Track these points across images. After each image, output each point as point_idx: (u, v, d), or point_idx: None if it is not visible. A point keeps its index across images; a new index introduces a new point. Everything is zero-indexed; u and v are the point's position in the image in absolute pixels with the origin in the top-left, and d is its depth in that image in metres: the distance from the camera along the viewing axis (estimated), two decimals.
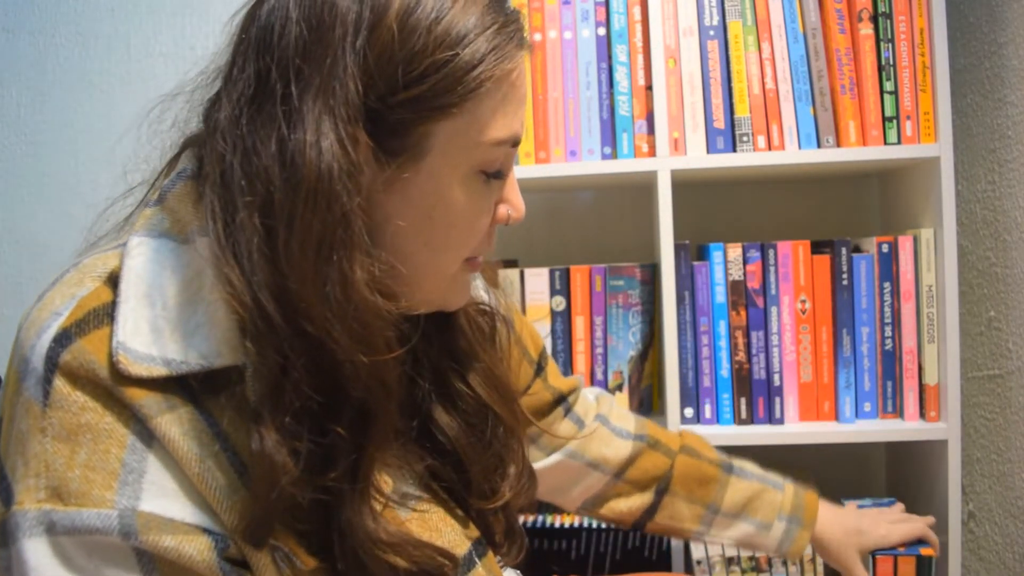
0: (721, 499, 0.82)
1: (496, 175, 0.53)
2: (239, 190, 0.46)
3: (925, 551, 0.98)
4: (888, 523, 0.88)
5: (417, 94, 0.47)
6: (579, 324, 1.17)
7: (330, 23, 0.46)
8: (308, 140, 0.45)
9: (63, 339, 0.44)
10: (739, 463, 0.86)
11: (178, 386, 0.46)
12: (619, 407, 0.87)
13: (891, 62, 1.09)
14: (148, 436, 0.45)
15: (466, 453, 0.59)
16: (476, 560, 0.57)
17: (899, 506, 0.96)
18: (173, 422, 0.44)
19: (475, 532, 0.59)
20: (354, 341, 0.46)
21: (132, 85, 1.52)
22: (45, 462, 0.43)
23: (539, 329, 1.16)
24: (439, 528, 0.56)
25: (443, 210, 0.51)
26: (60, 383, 0.44)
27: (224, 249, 0.46)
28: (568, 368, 1.17)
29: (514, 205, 0.56)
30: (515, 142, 0.53)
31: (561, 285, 1.17)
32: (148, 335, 0.45)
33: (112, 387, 0.44)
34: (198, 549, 0.44)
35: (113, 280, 0.47)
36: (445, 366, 0.60)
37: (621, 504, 0.83)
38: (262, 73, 0.48)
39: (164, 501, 0.44)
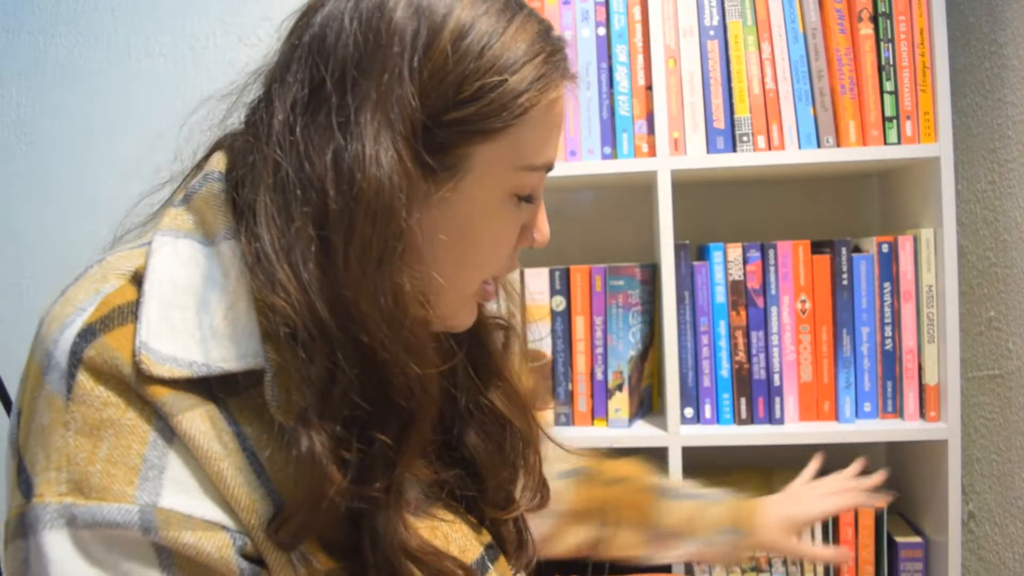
0: (660, 523, 0.82)
1: (527, 199, 0.54)
2: (294, 198, 0.46)
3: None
4: (819, 497, 0.86)
5: (464, 116, 0.48)
6: (579, 324, 1.17)
7: (388, 38, 0.47)
8: (368, 153, 0.45)
9: (87, 335, 0.45)
10: (676, 485, 0.85)
11: (199, 386, 0.46)
12: (557, 444, 0.84)
13: (891, 62, 1.09)
14: (169, 433, 0.45)
15: (485, 465, 0.60)
16: (489, 565, 0.57)
17: (844, 473, 0.93)
18: (194, 420, 0.45)
19: (487, 537, 0.59)
20: (406, 352, 0.46)
21: (132, 85, 1.52)
22: (67, 456, 0.43)
23: (539, 329, 1.16)
24: (449, 535, 0.56)
25: (475, 229, 0.52)
26: (83, 378, 0.44)
27: (278, 254, 0.46)
28: (568, 368, 1.17)
29: (540, 229, 0.57)
30: (549, 168, 0.54)
31: (561, 285, 1.17)
32: (170, 336, 0.46)
33: (135, 384, 0.44)
34: (217, 546, 0.44)
35: (137, 279, 0.47)
36: (470, 381, 0.61)
37: (569, 539, 0.83)
38: (316, 81, 0.48)
39: (184, 498, 0.44)
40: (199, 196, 0.51)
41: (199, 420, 0.45)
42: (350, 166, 0.45)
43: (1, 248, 1.56)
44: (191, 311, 0.47)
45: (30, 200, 1.56)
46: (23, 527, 0.44)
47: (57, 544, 0.43)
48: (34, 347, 0.47)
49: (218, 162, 0.53)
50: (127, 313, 0.46)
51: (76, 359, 0.44)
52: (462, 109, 0.48)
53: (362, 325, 0.45)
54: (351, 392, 0.46)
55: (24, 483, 0.45)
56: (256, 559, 0.47)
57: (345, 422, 0.46)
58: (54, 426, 0.44)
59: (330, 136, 0.46)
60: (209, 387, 0.46)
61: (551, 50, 0.51)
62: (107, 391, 0.44)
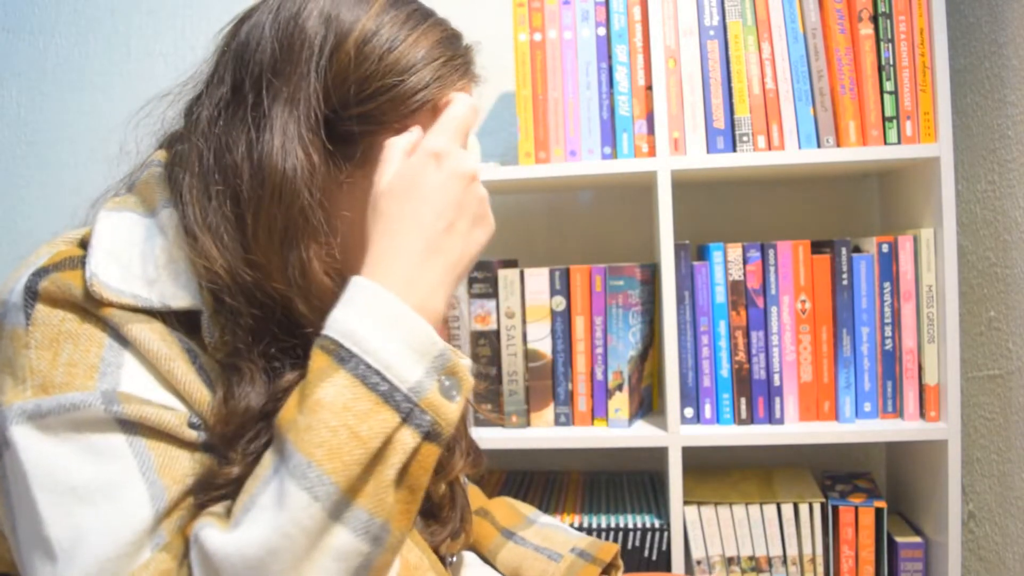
0: (494, 558, 0.82)
1: None
2: (213, 181, 0.54)
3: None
4: None
5: (366, 111, 0.55)
6: (579, 324, 1.17)
7: (299, 45, 0.55)
8: (275, 143, 0.53)
9: (41, 273, 0.51)
10: (528, 532, 0.84)
11: (147, 313, 0.52)
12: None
13: (891, 62, 1.09)
14: (123, 340, 0.50)
15: None
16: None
17: None
18: (144, 329, 0.50)
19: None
20: (315, 314, 0.53)
21: (132, 85, 1.52)
22: (30, 368, 0.49)
23: (539, 329, 1.16)
24: None
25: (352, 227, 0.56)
26: (40, 305, 0.50)
27: (202, 228, 0.53)
28: (568, 368, 1.17)
29: None
30: None
31: (561, 285, 1.17)
32: (117, 275, 0.52)
33: (87, 305, 0.50)
34: (176, 416, 0.50)
35: (84, 243, 0.54)
36: None
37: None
38: (238, 82, 0.56)
39: (141, 387, 0.50)
40: (140, 181, 0.59)
41: (149, 329, 0.51)
42: (260, 154, 0.53)
43: (1, 248, 1.56)
44: (136, 260, 0.53)
45: (30, 200, 1.56)
46: None
47: (25, 434, 0.47)
48: None
49: (158, 155, 0.61)
50: (76, 262, 0.52)
51: (32, 292, 0.50)
52: (364, 105, 0.55)
53: (274, 291, 0.53)
54: (271, 333, 0.54)
55: None
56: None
57: (269, 355, 0.54)
58: (17, 351, 0.49)
59: (245, 128, 0.54)
60: (157, 315, 0.52)
61: (451, 55, 0.58)
62: (63, 311, 0.50)
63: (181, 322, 0.53)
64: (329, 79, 0.55)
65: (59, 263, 0.51)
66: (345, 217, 0.56)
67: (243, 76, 0.56)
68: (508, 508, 0.87)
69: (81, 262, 0.52)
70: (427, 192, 0.52)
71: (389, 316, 0.48)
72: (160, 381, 0.51)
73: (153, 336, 0.51)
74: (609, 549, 0.81)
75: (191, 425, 0.50)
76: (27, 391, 0.48)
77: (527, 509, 0.88)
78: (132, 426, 0.48)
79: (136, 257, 0.53)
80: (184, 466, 0.49)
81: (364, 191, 0.55)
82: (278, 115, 0.53)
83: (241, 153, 0.53)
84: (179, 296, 0.53)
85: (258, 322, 0.53)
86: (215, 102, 0.56)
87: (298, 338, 0.54)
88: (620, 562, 0.83)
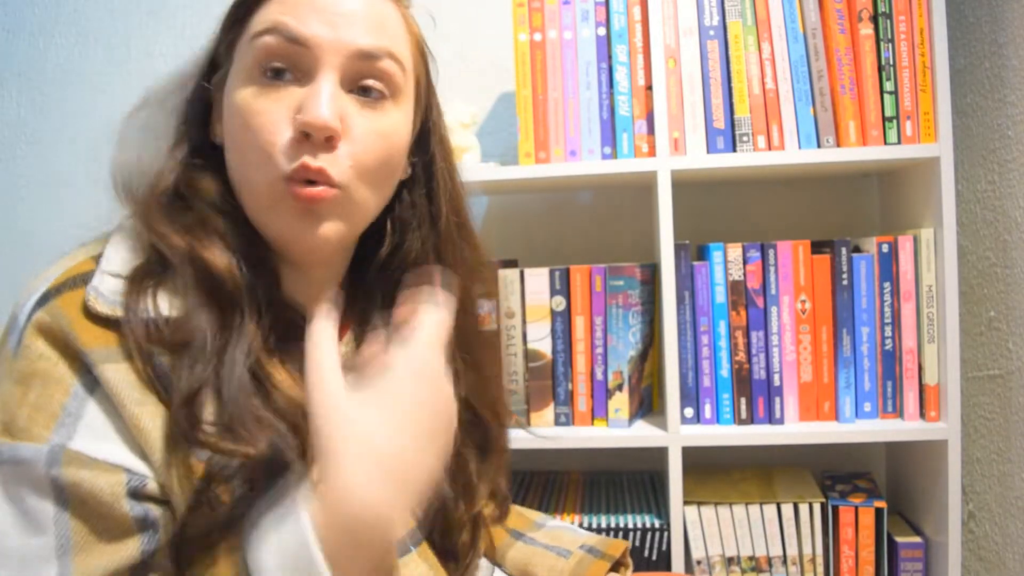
0: (503, 559, 0.82)
1: (279, 75, 0.57)
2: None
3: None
4: None
5: (227, 23, 0.61)
6: (579, 324, 1.17)
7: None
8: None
9: (43, 300, 0.52)
10: (538, 534, 0.84)
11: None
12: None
13: (891, 62, 1.09)
14: (93, 383, 0.51)
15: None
16: (411, 548, 0.62)
17: None
18: (117, 371, 0.51)
19: (410, 523, 0.62)
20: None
21: (132, 85, 1.52)
22: (3, 401, 0.50)
23: (539, 329, 1.16)
24: None
25: (235, 117, 0.57)
26: (28, 335, 0.51)
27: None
28: (568, 368, 1.17)
29: (304, 108, 0.55)
30: (282, 32, 0.57)
31: (561, 285, 1.17)
32: (117, 287, 0.53)
33: (69, 336, 0.51)
34: (110, 483, 0.49)
35: (99, 256, 0.56)
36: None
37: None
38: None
39: (94, 442, 0.50)
40: None
41: (121, 372, 0.51)
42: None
43: (1, 248, 1.56)
44: (128, 267, 0.55)
45: (30, 200, 1.56)
46: None
47: None
48: (11, 311, 0.54)
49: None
50: (79, 280, 0.53)
51: (28, 320, 0.51)
52: (228, 22, 0.61)
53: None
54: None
55: None
56: (163, 500, 0.52)
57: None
58: (2, 377, 0.51)
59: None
60: (135, 339, 0.52)
61: None
62: (44, 346, 0.51)
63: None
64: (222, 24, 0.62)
65: (65, 282, 0.53)
66: (226, 140, 0.60)
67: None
68: (516, 514, 0.87)
69: (87, 278, 0.53)
70: (430, 393, 0.50)
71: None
72: (121, 428, 0.51)
73: (127, 379, 0.51)
74: (619, 546, 0.81)
75: (133, 492, 0.50)
76: None
77: (535, 515, 0.88)
78: (65, 496, 0.48)
79: (133, 262, 0.55)
80: (98, 562, 0.49)
81: (226, 108, 0.59)
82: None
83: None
84: (172, 302, 0.54)
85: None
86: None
87: None
88: (629, 560, 0.83)
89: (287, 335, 0.58)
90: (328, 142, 0.56)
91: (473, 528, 0.69)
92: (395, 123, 0.61)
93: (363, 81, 0.58)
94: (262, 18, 0.58)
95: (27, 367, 0.50)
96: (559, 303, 1.17)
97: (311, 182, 0.56)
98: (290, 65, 0.57)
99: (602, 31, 1.16)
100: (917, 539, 1.13)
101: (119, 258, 0.55)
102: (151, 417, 0.51)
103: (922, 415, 1.11)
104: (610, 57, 1.16)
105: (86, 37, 1.54)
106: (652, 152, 1.14)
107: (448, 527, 0.67)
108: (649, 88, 1.14)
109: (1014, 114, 1.06)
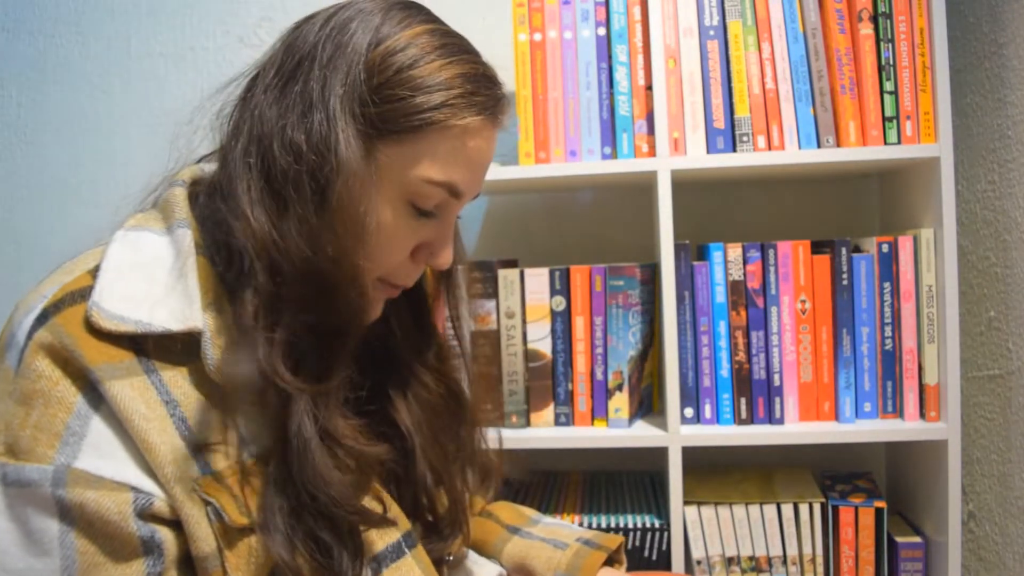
0: (500, 553, 0.83)
1: (426, 214, 0.61)
2: (255, 151, 0.57)
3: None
4: None
5: (375, 113, 0.57)
6: (579, 324, 1.17)
7: (347, 45, 0.58)
8: (325, 123, 0.56)
9: (42, 318, 0.52)
10: (534, 528, 0.85)
11: (137, 355, 0.53)
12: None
13: (891, 62, 1.09)
14: (97, 400, 0.51)
15: (419, 438, 0.69)
16: (405, 551, 0.63)
17: None
18: (124, 387, 0.51)
19: (407, 525, 0.64)
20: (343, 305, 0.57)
21: (132, 85, 1.52)
22: (6, 421, 0.50)
23: (539, 329, 1.16)
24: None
25: (363, 219, 0.57)
26: (29, 354, 0.51)
27: (254, 202, 0.55)
28: (568, 368, 1.17)
29: (435, 252, 0.63)
30: (451, 190, 0.60)
31: (561, 285, 1.17)
32: (120, 300, 0.53)
33: (73, 354, 0.50)
34: (116, 503, 0.49)
35: (95, 270, 0.55)
36: (411, 351, 0.71)
37: None
38: (290, 69, 0.59)
39: (99, 461, 0.50)
40: (162, 199, 0.61)
41: (128, 387, 0.51)
42: (309, 129, 0.56)
43: (1, 248, 1.56)
44: (140, 283, 0.55)
45: (30, 200, 1.56)
46: None
47: None
48: (5, 328, 0.55)
49: (185, 173, 0.63)
50: (78, 296, 0.53)
51: (29, 339, 0.51)
52: (376, 107, 0.57)
53: (316, 263, 0.56)
54: (294, 306, 0.55)
55: None
56: (169, 521, 0.52)
57: (290, 333, 0.55)
58: (2, 396, 0.51)
59: (294, 107, 0.57)
60: (147, 356, 0.53)
61: (473, 90, 0.59)
62: (45, 365, 0.51)
63: (185, 345, 0.54)
64: (361, 78, 0.57)
65: (63, 299, 0.53)
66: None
67: (297, 64, 0.58)
68: (512, 509, 0.88)
69: (85, 293, 0.53)
70: None
71: None
72: (128, 445, 0.51)
73: (133, 395, 0.51)
74: (614, 540, 0.82)
75: (140, 512, 0.50)
76: (0, 446, 0.50)
77: (531, 512, 0.88)
78: (71, 516, 0.49)
79: (142, 279, 0.55)
80: None
81: (367, 186, 0.58)
82: (328, 98, 0.56)
83: (292, 125, 0.56)
84: (180, 320, 0.54)
85: (279, 294, 0.55)
86: (267, 85, 0.59)
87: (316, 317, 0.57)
88: (623, 557, 0.83)
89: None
90: None
91: (453, 503, 0.72)
92: None
93: None
94: (441, 161, 0.59)
95: (28, 387, 0.50)
96: (559, 303, 1.17)
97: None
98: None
99: (602, 31, 1.16)
100: (917, 539, 1.13)
101: (123, 272, 0.55)
102: (158, 432, 0.51)
103: (922, 415, 1.11)
104: (610, 57, 1.16)
105: (86, 37, 1.54)
106: (652, 152, 1.14)
107: (429, 504, 0.70)
108: (649, 88, 1.14)
109: (1014, 114, 1.06)
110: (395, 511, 0.64)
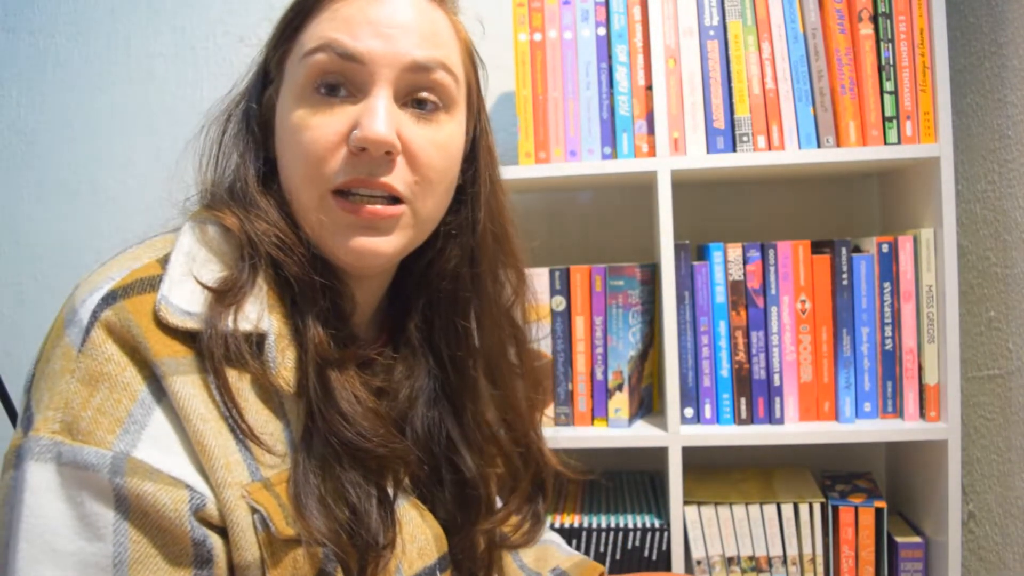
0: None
1: (333, 91, 0.57)
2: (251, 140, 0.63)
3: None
4: None
5: (277, 37, 0.61)
6: (579, 324, 1.17)
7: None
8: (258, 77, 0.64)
9: (110, 298, 0.51)
10: (527, 552, 0.83)
11: (197, 353, 0.52)
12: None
13: (891, 62, 1.09)
14: (160, 393, 0.50)
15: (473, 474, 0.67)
16: (438, 574, 0.61)
17: None
18: (185, 384, 0.50)
19: (445, 547, 0.63)
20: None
21: (132, 85, 1.52)
22: (66, 399, 0.49)
23: (539, 329, 1.16)
24: (413, 533, 0.60)
25: (288, 132, 0.57)
26: (96, 334, 0.50)
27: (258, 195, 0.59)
28: (568, 368, 1.17)
29: (360, 124, 0.55)
30: (334, 49, 0.56)
31: (561, 285, 1.17)
32: (188, 297, 0.52)
33: (140, 344, 0.50)
34: (173, 500, 0.48)
35: (165, 260, 0.55)
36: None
37: None
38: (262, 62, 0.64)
39: (157, 453, 0.49)
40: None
41: (189, 385, 0.50)
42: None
43: (1, 248, 1.56)
44: (209, 280, 0.54)
45: (30, 200, 1.56)
46: (17, 458, 0.48)
47: (38, 474, 0.47)
48: (64, 305, 0.53)
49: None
50: (147, 285, 0.52)
51: (95, 318, 0.50)
52: (276, 35, 0.61)
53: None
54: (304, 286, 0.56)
55: (27, 419, 0.49)
56: (217, 527, 0.50)
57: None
58: (62, 372, 0.49)
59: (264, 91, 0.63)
60: (208, 354, 0.52)
61: None
62: (113, 348, 0.50)
63: (247, 346, 0.53)
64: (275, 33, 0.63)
65: (132, 284, 0.52)
66: (281, 157, 0.60)
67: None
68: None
69: (153, 286, 0.52)
70: None
71: None
72: (185, 442, 0.50)
73: (191, 391, 0.50)
74: (592, 570, 0.80)
75: (195, 512, 0.49)
76: (55, 424, 0.48)
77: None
78: (126, 505, 0.48)
79: (214, 273, 0.54)
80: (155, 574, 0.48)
81: (278, 123, 0.60)
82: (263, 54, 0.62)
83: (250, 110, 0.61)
84: (252, 318, 0.53)
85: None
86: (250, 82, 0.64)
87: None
88: None
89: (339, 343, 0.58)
90: (387, 157, 0.56)
91: (489, 544, 0.69)
92: (451, 134, 0.61)
93: (417, 94, 0.58)
94: (313, 34, 0.57)
95: (95, 368, 0.49)
96: (559, 303, 1.17)
97: (372, 197, 0.56)
98: (344, 81, 0.57)
99: (602, 31, 1.16)
100: (917, 539, 1.13)
101: (191, 268, 0.54)
102: (214, 434, 0.50)
103: (922, 415, 1.11)
104: (610, 57, 1.16)
105: (86, 37, 1.54)
106: (652, 152, 1.14)
107: (467, 543, 0.67)
108: (649, 88, 1.14)
109: (1014, 114, 1.06)
110: (436, 531, 0.62)
